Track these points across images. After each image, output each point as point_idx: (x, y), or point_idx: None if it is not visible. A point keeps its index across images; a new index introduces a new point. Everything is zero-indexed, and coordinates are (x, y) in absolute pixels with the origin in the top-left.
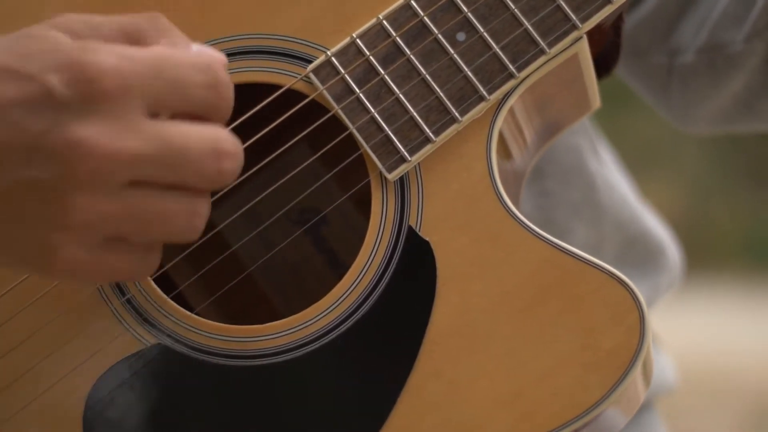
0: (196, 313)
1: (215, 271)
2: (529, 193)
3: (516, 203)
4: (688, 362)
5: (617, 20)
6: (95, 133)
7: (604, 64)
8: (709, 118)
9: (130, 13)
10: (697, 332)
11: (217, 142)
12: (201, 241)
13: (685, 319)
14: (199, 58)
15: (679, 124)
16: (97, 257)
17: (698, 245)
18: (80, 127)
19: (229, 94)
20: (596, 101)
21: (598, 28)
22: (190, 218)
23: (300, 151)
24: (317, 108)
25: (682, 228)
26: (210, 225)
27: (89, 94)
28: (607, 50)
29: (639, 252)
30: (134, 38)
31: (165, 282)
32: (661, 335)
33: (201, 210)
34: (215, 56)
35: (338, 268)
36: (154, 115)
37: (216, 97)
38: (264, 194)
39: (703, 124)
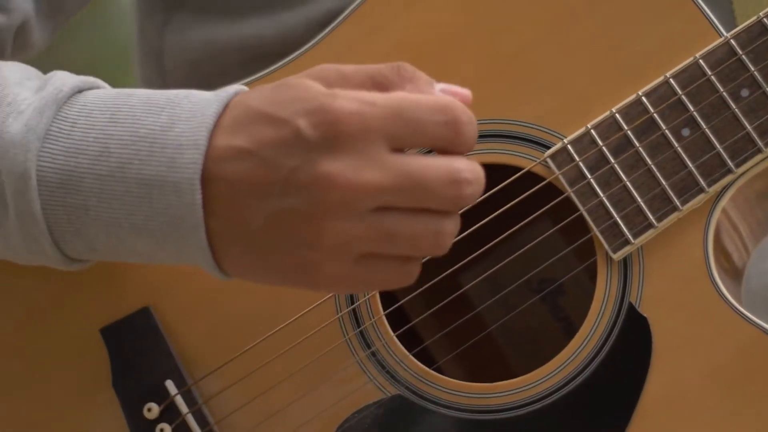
0: (437, 367)
1: (458, 329)
2: (757, 272)
3: (737, 285)
4: None
5: None
6: (340, 167)
7: None
8: None
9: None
10: None
11: (455, 171)
12: (446, 301)
13: None
14: (438, 99)
15: None
16: (355, 271)
17: None
18: (327, 163)
19: (467, 129)
20: None
21: None
22: (435, 237)
23: (537, 226)
24: (551, 187)
25: None
26: (455, 287)
27: (333, 135)
28: None
29: None
30: (381, 85)
31: (411, 337)
32: None
33: (446, 229)
34: (456, 97)
35: (568, 332)
36: (396, 150)
37: (454, 133)
38: (504, 262)
39: None
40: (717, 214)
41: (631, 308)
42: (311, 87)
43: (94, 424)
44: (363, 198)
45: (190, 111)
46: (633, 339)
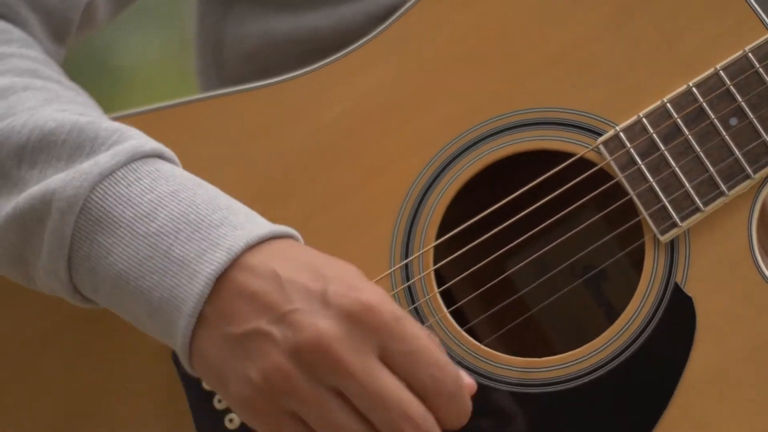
0: (484, 344)
1: (503, 309)
2: None
3: None
4: None
5: None
6: (336, 336)
7: None
8: None
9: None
10: None
11: (414, 411)
12: (493, 283)
13: None
14: (445, 362)
15: None
16: (277, 418)
17: None
18: (328, 325)
19: (449, 399)
20: None
21: None
22: None
23: (584, 211)
24: (600, 173)
25: None
26: (501, 269)
27: (350, 311)
28: None
29: None
30: None
31: (458, 317)
32: None
33: None
34: (463, 375)
35: (610, 314)
36: (382, 361)
37: (435, 391)
38: (550, 246)
39: None
40: (761, 199)
41: (677, 288)
42: (360, 276)
43: (157, 398)
44: (332, 371)
45: (242, 224)
46: (677, 317)
